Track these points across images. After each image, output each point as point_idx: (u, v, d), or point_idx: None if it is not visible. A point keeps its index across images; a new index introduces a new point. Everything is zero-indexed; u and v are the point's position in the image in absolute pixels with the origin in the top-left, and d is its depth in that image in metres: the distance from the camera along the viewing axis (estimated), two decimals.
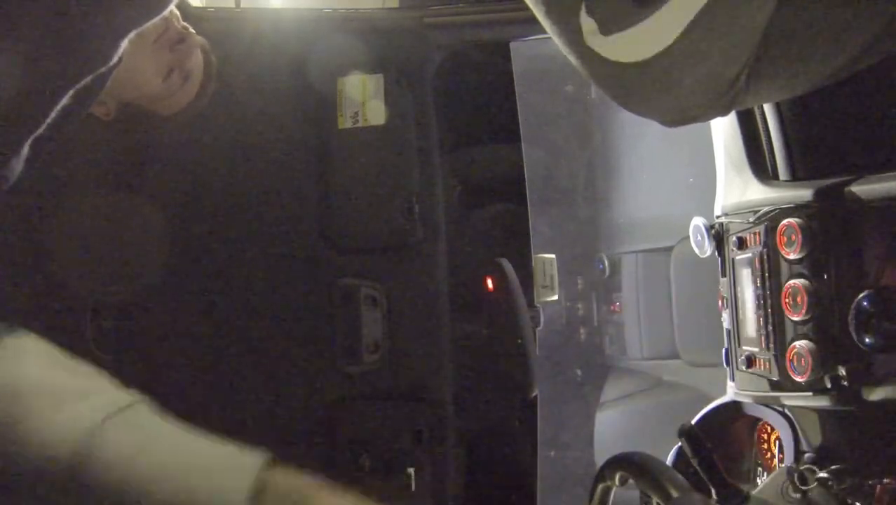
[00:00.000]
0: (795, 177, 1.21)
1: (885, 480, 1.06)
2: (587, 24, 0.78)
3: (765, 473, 1.35)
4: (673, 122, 0.91)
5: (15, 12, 0.70)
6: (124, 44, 0.81)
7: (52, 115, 0.80)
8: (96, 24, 0.77)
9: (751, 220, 1.22)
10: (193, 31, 1.44)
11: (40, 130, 0.81)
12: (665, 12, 0.74)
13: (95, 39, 0.78)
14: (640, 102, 0.88)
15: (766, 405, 1.28)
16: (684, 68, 0.79)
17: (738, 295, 1.27)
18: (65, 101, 0.80)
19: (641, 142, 3.05)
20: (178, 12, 1.40)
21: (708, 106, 0.88)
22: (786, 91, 0.97)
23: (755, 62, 0.83)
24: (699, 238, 1.35)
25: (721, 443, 1.37)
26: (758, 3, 0.78)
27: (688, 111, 0.89)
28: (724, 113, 0.91)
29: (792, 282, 1.12)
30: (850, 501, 1.07)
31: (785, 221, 1.13)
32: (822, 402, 1.10)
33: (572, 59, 0.84)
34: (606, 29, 0.77)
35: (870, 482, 1.07)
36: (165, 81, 1.41)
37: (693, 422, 1.37)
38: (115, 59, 0.82)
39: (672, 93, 0.83)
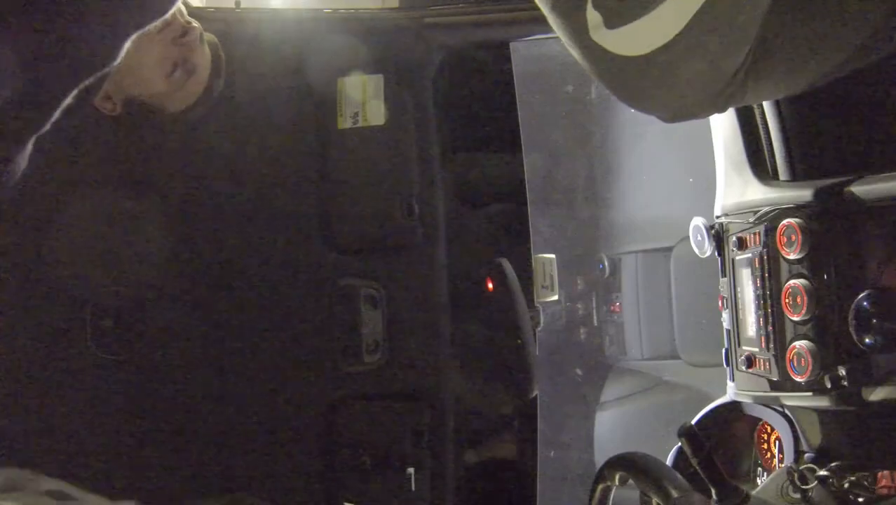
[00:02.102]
0: (795, 177, 1.21)
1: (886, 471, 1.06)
2: (593, 17, 0.79)
3: (765, 473, 1.35)
4: (671, 117, 0.91)
5: (22, 14, 0.71)
6: (127, 44, 0.81)
7: (57, 113, 0.81)
8: (100, 25, 0.77)
9: (751, 220, 1.22)
10: (198, 25, 1.43)
11: (45, 129, 0.81)
12: (668, 5, 0.75)
13: (99, 40, 0.78)
14: (640, 97, 0.89)
15: (766, 405, 1.28)
16: (684, 63, 0.80)
17: (738, 295, 1.27)
18: (68, 100, 0.81)
19: (641, 142, 3.05)
20: (183, 7, 1.39)
21: (706, 102, 0.88)
22: (782, 89, 0.97)
23: (753, 59, 0.83)
24: (699, 238, 1.35)
25: (721, 443, 1.37)
26: (756, 2, 0.79)
27: (686, 107, 0.89)
28: (721, 110, 0.92)
29: (792, 282, 1.12)
30: (851, 498, 1.07)
31: (785, 221, 1.13)
32: (822, 402, 1.10)
33: (576, 53, 0.85)
34: (612, 22, 0.78)
35: (868, 474, 1.07)
36: (170, 76, 1.40)
37: (693, 422, 1.37)
38: (119, 59, 0.82)
39: (671, 88, 0.84)
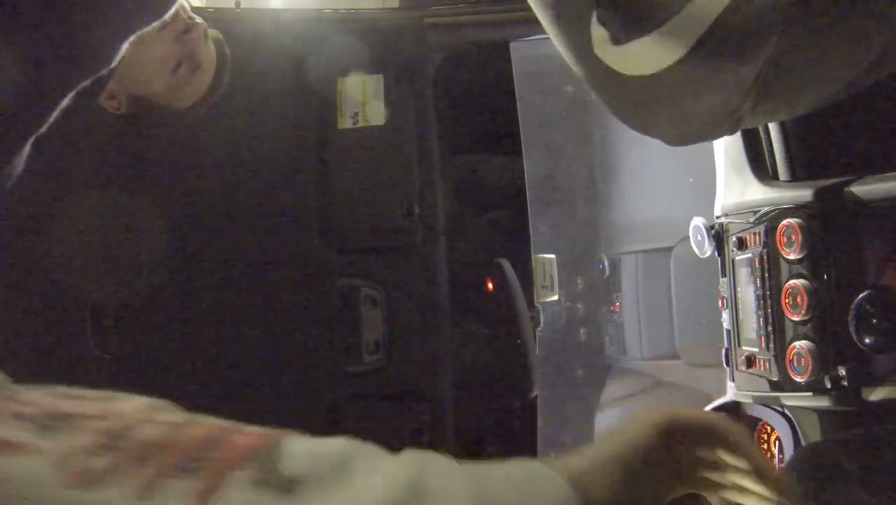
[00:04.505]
0: (795, 177, 1.21)
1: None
2: (598, 32, 0.75)
3: None
4: (677, 141, 0.89)
5: (19, 15, 0.70)
6: (125, 46, 0.81)
7: (54, 115, 0.81)
8: (98, 27, 0.77)
9: (751, 220, 1.22)
10: (202, 21, 1.42)
11: (42, 130, 0.81)
12: (676, 23, 0.72)
13: (97, 42, 0.78)
14: (644, 120, 0.86)
15: (766, 405, 1.28)
16: (693, 85, 0.77)
17: (738, 295, 1.27)
18: (66, 101, 0.80)
19: (641, 142, 3.04)
20: (186, 3, 1.38)
21: (715, 125, 0.85)
22: (792, 110, 0.95)
23: (764, 81, 0.81)
24: (699, 238, 1.35)
25: None
26: (767, 22, 0.76)
27: (692, 132, 0.87)
28: (730, 133, 0.89)
29: (792, 282, 1.12)
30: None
31: (785, 221, 1.13)
32: (822, 402, 1.10)
33: (578, 71, 0.80)
34: (618, 38, 0.74)
35: None
36: (174, 73, 1.39)
37: None
38: (116, 61, 0.82)
39: (678, 110, 0.81)
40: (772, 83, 0.82)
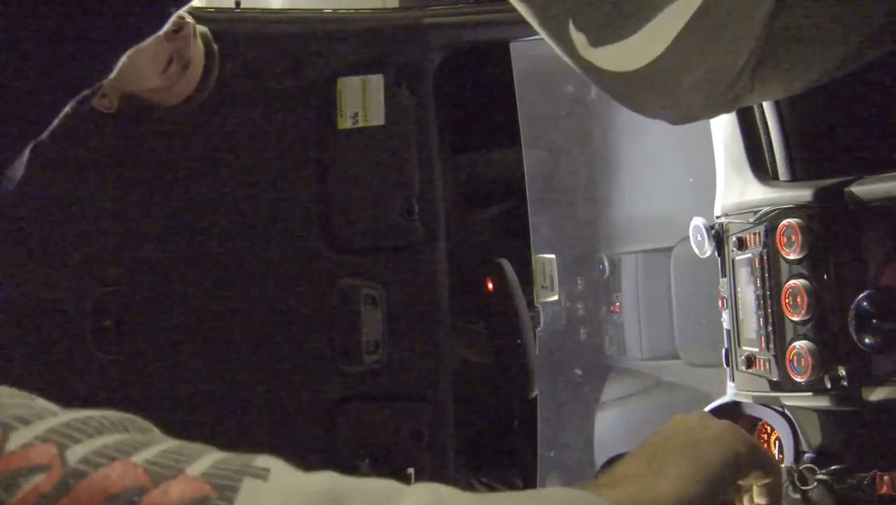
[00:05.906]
0: (795, 177, 1.21)
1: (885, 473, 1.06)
2: (577, 37, 0.78)
3: None
4: (676, 121, 0.91)
5: (24, 25, 0.71)
6: (124, 58, 0.82)
7: (55, 122, 0.81)
8: (100, 39, 0.77)
9: (751, 220, 1.22)
10: (192, 20, 1.43)
11: (42, 136, 0.81)
12: (652, 26, 0.74)
13: (98, 53, 0.79)
14: (639, 106, 0.88)
15: (766, 405, 1.28)
16: (678, 74, 0.79)
17: (738, 295, 1.27)
18: (66, 109, 0.81)
19: (641, 142, 3.05)
20: None
21: (710, 105, 0.88)
22: (790, 87, 0.96)
23: (758, 58, 0.82)
24: (699, 238, 1.35)
25: None
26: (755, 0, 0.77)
27: (689, 111, 0.89)
28: (728, 110, 0.92)
29: (792, 282, 1.11)
30: (851, 499, 1.07)
31: (785, 222, 1.13)
32: (822, 402, 1.10)
33: (572, 65, 0.84)
34: (595, 42, 0.77)
35: (870, 474, 1.07)
36: (165, 72, 1.40)
37: None
38: (115, 71, 0.82)
39: (671, 95, 0.83)
40: (766, 59, 0.83)
